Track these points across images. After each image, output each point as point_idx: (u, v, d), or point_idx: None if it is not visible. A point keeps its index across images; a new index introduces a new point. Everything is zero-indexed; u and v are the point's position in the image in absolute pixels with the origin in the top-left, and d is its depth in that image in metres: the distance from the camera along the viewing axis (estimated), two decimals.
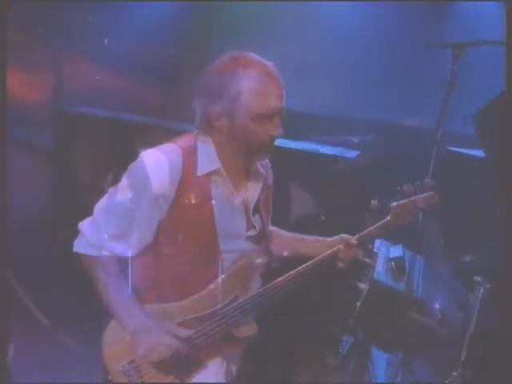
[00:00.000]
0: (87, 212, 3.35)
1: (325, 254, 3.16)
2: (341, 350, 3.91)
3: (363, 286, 3.66)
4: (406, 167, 4.14)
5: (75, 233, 3.19)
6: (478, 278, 3.40)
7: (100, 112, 5.59)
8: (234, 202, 3.12)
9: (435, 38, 5.44)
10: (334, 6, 5.80)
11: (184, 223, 3.05)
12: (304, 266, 3.11)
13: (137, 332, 3.00)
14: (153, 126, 5.92)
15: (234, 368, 3.22)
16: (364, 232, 3.18)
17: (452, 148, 5.18)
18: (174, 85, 5.59)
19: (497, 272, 3.55)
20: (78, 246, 3.14)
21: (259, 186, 3.22)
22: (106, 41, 4.73)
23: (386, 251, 3.96)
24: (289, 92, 3.44)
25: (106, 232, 3.03)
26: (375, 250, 3.96)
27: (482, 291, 3.41)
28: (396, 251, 3.94)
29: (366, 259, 3.54)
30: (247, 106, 2.99)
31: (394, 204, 3.21)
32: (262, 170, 3.23)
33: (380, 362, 3.93)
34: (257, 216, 3.19)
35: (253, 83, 3.03)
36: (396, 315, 3.63)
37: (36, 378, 4.25)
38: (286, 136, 3.17)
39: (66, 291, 4.62)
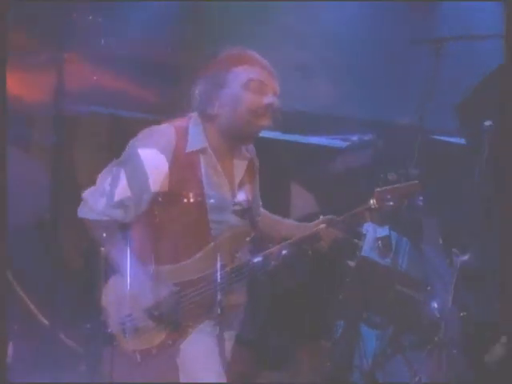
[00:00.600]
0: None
1: (307, 233, 3.41)
2: (335, 334, 4.06)
3: (352, 263, 3.84)
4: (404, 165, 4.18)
5: (75, 233, 3.24)
6: (455, 250, 3.52)
7: (100, 112, 5.59)
8: (220, 177, 3.45)
9: (428, 34, 5.46)
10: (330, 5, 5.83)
11: (176, 194, 3.38)
12: (287, 242, 3.37)
13: (137, 286, 3.29)
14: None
15: (226, 335, 3.39)
16: (346, 215, 3.37)
17: (437, 137, 5.28)
18: (174, 84, 5.59)
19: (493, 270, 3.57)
20: (82, 212, 3.42)
21: (243, 165, 3.54)
22: (103, 41, 4.75)
23: (374, 232, 4.18)
24: (289, 91, 3.48)
25: (106, 200, 3.34)
26: (364, 232, 4.19)
27: (458, 263, 3.52)
28: (383, 232, 4.15)
29: (356, 240, 3.74)
30: (246, 100, 3.27)
31: (377, 189, 3.35)
32: (246, 153, 3.56)
33: (370, 338, 4.07)
34: (242, 192, 3.49)
35: (253, 78, 3.28)
36: (382, 288, 3.77)
37: (36, 378, 4.25)
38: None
39: (65, 291, 4.62)
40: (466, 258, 4.27)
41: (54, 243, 4.66)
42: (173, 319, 3.31)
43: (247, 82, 3.41)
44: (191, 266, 3.36)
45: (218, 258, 3.29)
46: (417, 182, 3.39)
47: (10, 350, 4.28)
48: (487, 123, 3.85)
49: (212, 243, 3.36)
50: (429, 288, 3.83)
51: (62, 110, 4.82)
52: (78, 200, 3.46)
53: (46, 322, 4.34)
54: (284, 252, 3.38)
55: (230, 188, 3.45)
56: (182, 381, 3.39)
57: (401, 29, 5.71)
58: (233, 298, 3.36)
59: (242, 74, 3.42)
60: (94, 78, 4.86)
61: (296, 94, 5.66)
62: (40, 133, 5.37)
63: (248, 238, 3.43)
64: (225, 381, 3.35)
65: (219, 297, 3.27)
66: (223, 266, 3.32)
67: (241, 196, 3.48)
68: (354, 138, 5.83)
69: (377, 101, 5.87)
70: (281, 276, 3.35)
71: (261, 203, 3.71)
